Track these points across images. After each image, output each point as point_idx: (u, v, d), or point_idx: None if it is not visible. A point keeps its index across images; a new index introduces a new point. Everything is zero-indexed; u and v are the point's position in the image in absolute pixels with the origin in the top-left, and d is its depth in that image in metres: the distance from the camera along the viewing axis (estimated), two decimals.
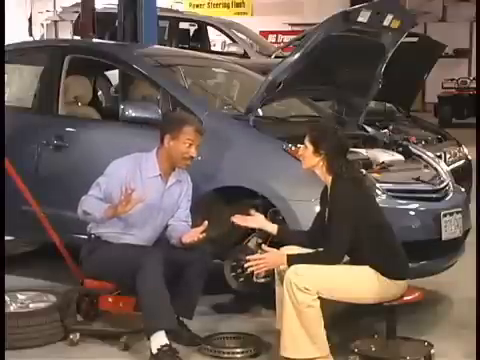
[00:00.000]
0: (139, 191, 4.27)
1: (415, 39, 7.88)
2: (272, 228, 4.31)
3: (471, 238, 5.22)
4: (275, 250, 4.14)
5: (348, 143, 4.25)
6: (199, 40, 13.94)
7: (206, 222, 4.28)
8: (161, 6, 11.85)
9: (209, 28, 14.20)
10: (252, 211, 4.38)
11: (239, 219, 4.32)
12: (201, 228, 4.28)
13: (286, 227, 4.54)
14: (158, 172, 4.45)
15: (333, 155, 4.02)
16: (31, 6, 22.79)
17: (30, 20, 21.44)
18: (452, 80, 20.35)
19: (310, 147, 4.06)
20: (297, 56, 4.95)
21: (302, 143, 4.16)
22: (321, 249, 4.02)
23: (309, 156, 4.08)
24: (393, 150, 5.47)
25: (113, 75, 6.69)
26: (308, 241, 4.19)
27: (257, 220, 4.34)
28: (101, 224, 4.42)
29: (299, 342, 3.86)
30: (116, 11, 9.63)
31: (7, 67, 5.59)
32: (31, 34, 20.35)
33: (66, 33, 15.66)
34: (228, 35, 13.74)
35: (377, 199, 4.45)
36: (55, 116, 5.70)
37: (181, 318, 4.41)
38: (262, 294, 4.82)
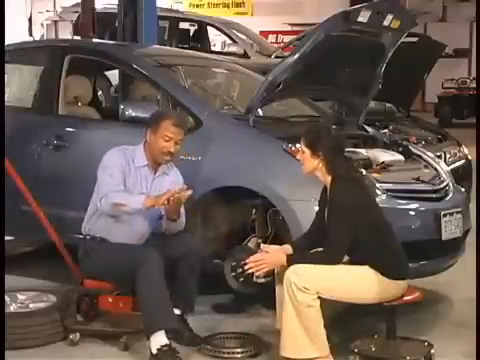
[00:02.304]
0: (132, 180, 4.38)
1: (415, 39, 7.88)
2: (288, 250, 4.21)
3: (471, 238, 5.22)
4: (275, 249, 4.15)
5: (344, 141, 4.25)
6: (199, 40, 13.94)
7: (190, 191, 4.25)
8: (161, 6, 11.85)
9: (209, 28, 14.20)
10: (263, 245, 4.32)
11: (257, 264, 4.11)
12: (176, 189, 4.24)
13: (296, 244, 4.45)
14: (146, 162, 4.48)
15: (331, 155, 4.01)
16: (31, 6, 22.79)
17: (30, 20, 21.45)
18: (452, 80, 20.35)
19: (307, 151, 4.06)
20: (297, 56, 4.95)
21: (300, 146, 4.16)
22: (321, 249, 4.02)
23: (308, 159, 4.07)
24: (393, 150, 5.47)
25: (113, 75, 6.69)
26: (307, 241, 4.19)
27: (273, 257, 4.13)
28: (94, 218, 4.44)
29: (299, 342, 3.86)
30: (116, 11, 9.63)
31: (7, 67, 5.59)
32: (31, 34, 20.36)
33: (66, 33, 15.65)
34: (228, 35, 13.74)
35: (377, 199, 4.45)
36: (55, 116, 5.70)
37: (184, 316, 4.41)
38: (262, 294, 4.82)
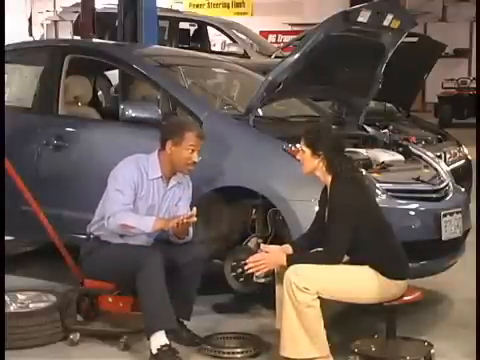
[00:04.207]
0: (144, 192, 4.34)
1: (415, 39, 7.88)
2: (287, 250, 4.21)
3: (471, 238, 5.22)
4: (275, 249, 4.15)
5: (344, 141, 4.25)
6: (199, 40, 13.95)
7: (194, 209, 4.25)
8: (161, 6, 11.85)
9: (209, 28, 14.21)
10: (262, 245, 4.32)
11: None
12: (186, 215, 4.24)
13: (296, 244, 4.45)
14: (160, 174, 4.44)
15: (331, 155, 4.01)
16: (31, 6, 22.79)
17: (30, 20, 21.45)
18: (452, 80, 20.36)
19: (307, 150, 4.06)
20: (297, 56, 4.95)
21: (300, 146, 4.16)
22: (321, 249, 4.02)
23: (308, 159, 4.07)
24: (393, 150, 5.47)
25: (113, 75, 6.69)
26: (307, 241, 4.19)
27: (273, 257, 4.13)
28: (102, 222, 4.41)
29: (299, 342, 3.86)
30: (116, 11, 9.63)
31: (7, 67, 5.59)
32: (31, 34, 20.35)
33: (66, 33, 15.65)
34: (228, 35, 13.74)
35: (377, 199, 4.45)
36: (55, 116, 5.69)
37: (179, 319, 4.40)
38: (262, 294, 4.82)
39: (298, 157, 4.24)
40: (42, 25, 19.80)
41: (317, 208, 4.23)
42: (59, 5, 20.59)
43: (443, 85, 20.44)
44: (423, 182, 5.15)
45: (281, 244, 4.27)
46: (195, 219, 4.24)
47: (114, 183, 4.36)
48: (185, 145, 4.36)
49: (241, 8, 24.66)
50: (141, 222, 4.29)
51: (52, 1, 22.15)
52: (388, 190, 4.83)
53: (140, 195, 4.38)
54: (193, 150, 4.37)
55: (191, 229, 4.44)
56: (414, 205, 4.89)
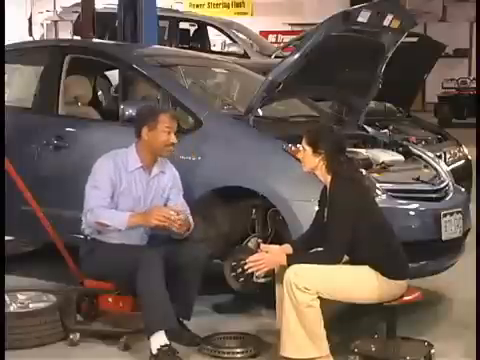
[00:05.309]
0: (125, 185, 4.37)
1: (415, 39, 7.89)
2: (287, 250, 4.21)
3: (471, 238, 5.23)
4: (275, 249, 4.15)
5: (345, 141, 4.25)
6: (199, 40, 13.95)
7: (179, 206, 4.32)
8: (161, 6, 11.84)
9: (209, 28, 14.21)
10: (262, 245, 4.33)
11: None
12: (174, 213, 4.26)
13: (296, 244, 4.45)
14: (140, 164, 4.47)
15: (332, 153, 4.02)
16: (31, 6, 22.78)
17: (30, 20, 21.40)
18: (452, 80, 20.39)
19: (308, 149, 4.06)
20: (297, 56, 4.95)
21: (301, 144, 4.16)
22: (321, 249, 4.02)
23: (308, 158, 4.07)
24: (393, 150, 5.47)
25: (113, 75, 6.69)
26: (307, 241, 4.19)
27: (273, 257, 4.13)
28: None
29: (299, 342, 3.86)
30: (116, 11, 9.63)
31: (7, 67, 5.59)
32: (31, 34, 20.32)
33: (66, 33, 15.64)
34: (228, 35, 13.75)
35: (377, 199, 4.45)
36: (55, 116, 5.70)
37: (179, 319, 4.40)
38: (262, 294, 4.82)
39: (299, 155, 4.24)
40: (42, 25, 19.78)
41: (317, 208, 4.23)
42: (59, 5, 20.57)
43: (443, 85, 20.47)
44: (423, 182, 5.15)
45: (281, 244, 4.27)
46: (181, 217, 4.24)
47: (90, 180, 4.41)
48: (161, 128, 4.41)
49: (241, 8, 24.66)
50: (115, 219, 4.29)
51: (52, 1, 22.14)
52: (388, 190, 4.83)
53: (120, 190, 4.38)
54: (169, 132, 4.42)
55: (192, 222, 4.44)
56: (414, 205, 4.89)
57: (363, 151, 5.17)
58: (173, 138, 4.44)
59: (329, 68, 5.27)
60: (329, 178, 4.04)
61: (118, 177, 4.40)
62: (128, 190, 4.41)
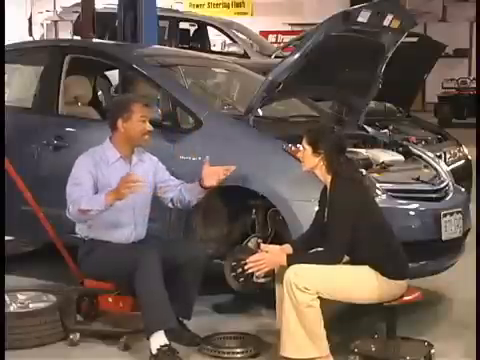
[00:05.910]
0: (107, 178, 4.36)
1: (415, 39, 7.89)
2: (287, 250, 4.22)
3: (471, 238, 5.23)
4: (275, 249, 4.15)
5: (345, 141, 4.25)
6: (199, 40, 13.96)
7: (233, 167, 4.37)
8: (161, 6, 11.85)
9: (209, 28, 14.21)
10: (262, 245, 4.33)
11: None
12: (224, 168, 4.34)
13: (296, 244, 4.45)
14: (118, 155, 4.48)
15: (332, 153, 4.02)
16: (31, 6, 22.79)
17: (30, 20, 21.41)
18: (452, 80, 20.40)
19: (309, 148, 4.06)
20: (297, 56, 4.95)
21: (302, 143, 4.16)
22: (321, 249, 4.02)
23: (308, 157, 4.08)
24: (393, 150, 5.47)
25: (113, 75, 6.69)
26: (307, 241, 4.19)
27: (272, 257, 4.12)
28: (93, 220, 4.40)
29: (299, 342, 3.86)
30: (116, 11, 9.63)
31: (7, 67, 5.59)
32: (31, 34, 20.33)
33: (66, 33, 15.64)
34: (228, 35, 13.75)
35: (377, 199, 4.46)
36: (55, 116, 5.69)
37: (180, 318, 4.41)
38: (262, 294, 4.82)
39: (299, 155, 4.24)
40: (42, 25, 19.79)
41: (317, 208, 4.23)
42: (59, 5, 20.58)
43: (443, 85, 20.48)
44: (423, 182, 5.15)
45: (281, 244, 4.27)
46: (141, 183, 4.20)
47: (70, 179, 4.41)
48: (136, 118, 4.42)
49: (241, 8, 24.67)
50: (93, 201, 4.27)
51: (52, 1, 22.14)
52: (388, 190, 4.83)
53: (103, 184, 4.36)
54: (144, 120, 4.44)
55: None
56: (414, 205, 4.89)
57: (363, 151, 5.17)
58: (149, 126, 4.45)
59: (329, 68, 5.27)
60: (329, 178, 4.04)
61: (100, 172, 4.40)
62: (112, 182, 4.32)
